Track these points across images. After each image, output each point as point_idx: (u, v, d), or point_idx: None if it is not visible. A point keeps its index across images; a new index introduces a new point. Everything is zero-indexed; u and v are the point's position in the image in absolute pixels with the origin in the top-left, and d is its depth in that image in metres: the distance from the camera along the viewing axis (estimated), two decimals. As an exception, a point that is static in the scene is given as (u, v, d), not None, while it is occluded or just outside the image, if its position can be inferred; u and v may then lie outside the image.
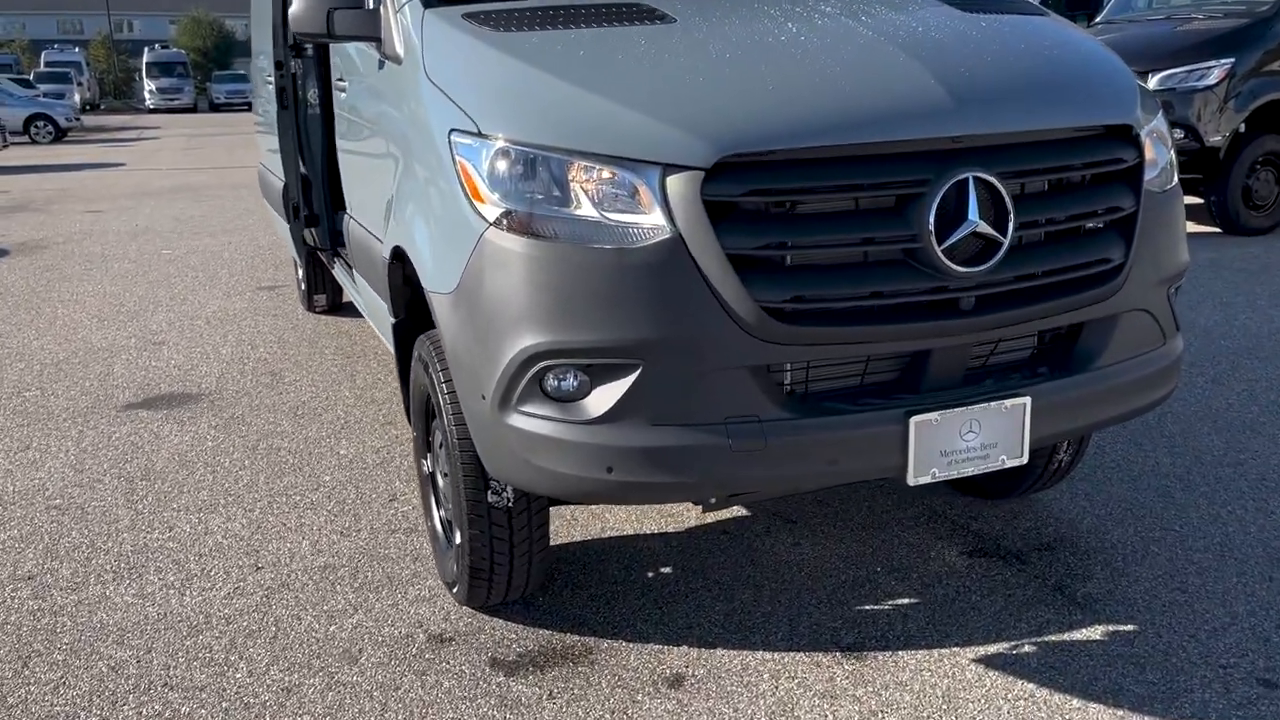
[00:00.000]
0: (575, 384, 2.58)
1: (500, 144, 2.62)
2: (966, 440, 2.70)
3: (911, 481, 2.67)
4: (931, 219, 2.54)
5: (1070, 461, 3.80)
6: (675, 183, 2.47)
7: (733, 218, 2.50)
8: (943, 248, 2.56)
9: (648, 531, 3.86)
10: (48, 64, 47.77)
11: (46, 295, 8.36)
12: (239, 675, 3.02)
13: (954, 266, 2.57)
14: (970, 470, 2.73)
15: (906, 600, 3.34)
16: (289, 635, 3.23)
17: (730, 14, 3.04)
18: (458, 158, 2.73)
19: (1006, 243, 2.62)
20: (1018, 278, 2.70)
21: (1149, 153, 2.96)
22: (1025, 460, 2.78)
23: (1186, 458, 4.41)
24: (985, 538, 3.75)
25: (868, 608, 3.30)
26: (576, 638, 3.17)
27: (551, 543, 3.56)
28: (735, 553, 3.68)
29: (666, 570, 3.59)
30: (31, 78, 39.92)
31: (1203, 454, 4.44)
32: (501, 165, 2.60)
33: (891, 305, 2.60)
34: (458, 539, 3.12)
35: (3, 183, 17.46)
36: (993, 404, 2.70)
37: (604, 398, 2.55)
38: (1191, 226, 9.38)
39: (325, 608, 3.38)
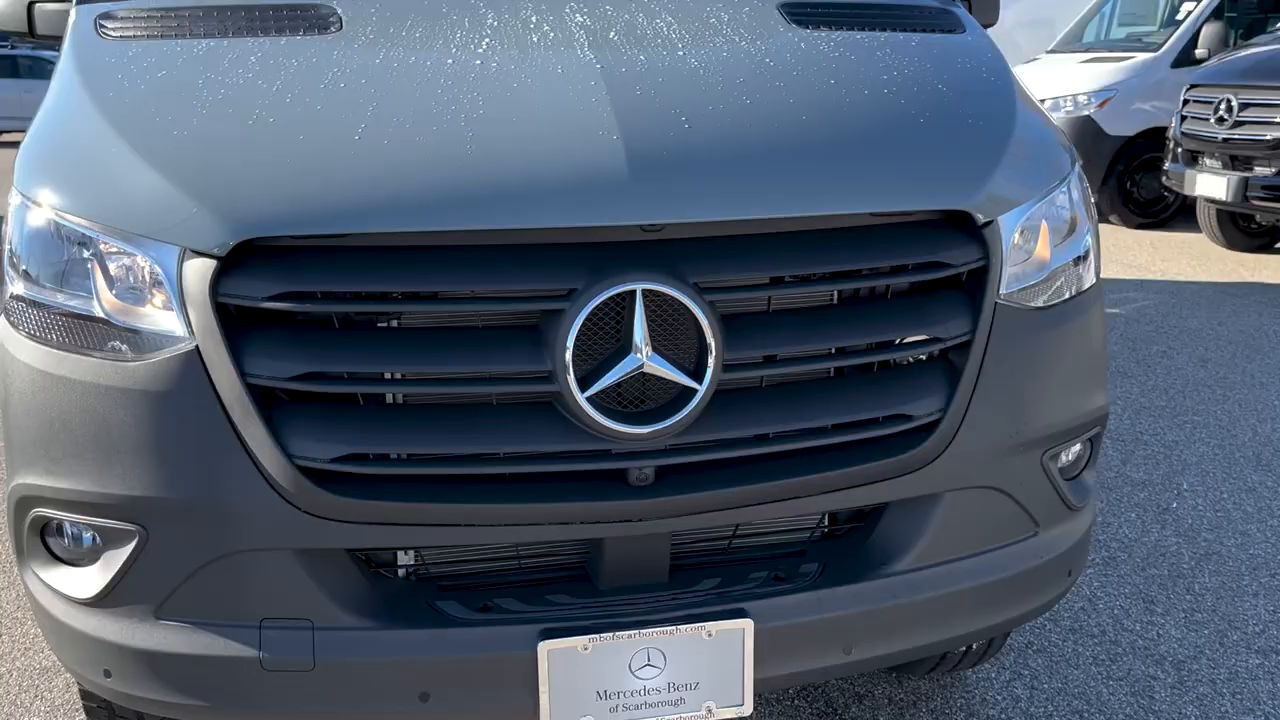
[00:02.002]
0: (79, 545, 1.85)
1: (17, 202, 1.90)
2: (643, 678, 1.80)
3: (548, 734, 1.79)
4: (568, 351, 1.66)
5: (985, 645, 2.74)
6: (190, 273, 1.69)
7: (260, 331, 1.70)
8: (588, 394, 1.67)
9: None
10: None
11: None
12: None
13: (606, 422, 1.68)
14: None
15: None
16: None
17: (426, 21, 2.18)
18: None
19: (702, 388, 1.70)
20: (730, 441, 1.77)
21: (1016, 252, 1.95)
22: (747, 710, 1.85)
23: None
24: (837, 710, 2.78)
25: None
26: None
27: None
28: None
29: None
30: None
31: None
32: (15, 232, 1.89)
33: (510, 475, 1.73)
34: None
35: None
36: (684, 628, 1.78)
37: (101, 572, 1.81)
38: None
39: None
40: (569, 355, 1.66)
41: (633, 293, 1.66)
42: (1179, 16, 10.67)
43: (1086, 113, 9.99)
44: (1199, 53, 10.09)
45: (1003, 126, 2.05)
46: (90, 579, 1.81)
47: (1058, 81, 10.36)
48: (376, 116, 1.80)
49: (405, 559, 1.90)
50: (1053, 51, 11.45)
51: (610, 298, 1.67)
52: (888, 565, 1.93)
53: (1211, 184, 8.21)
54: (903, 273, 1.87)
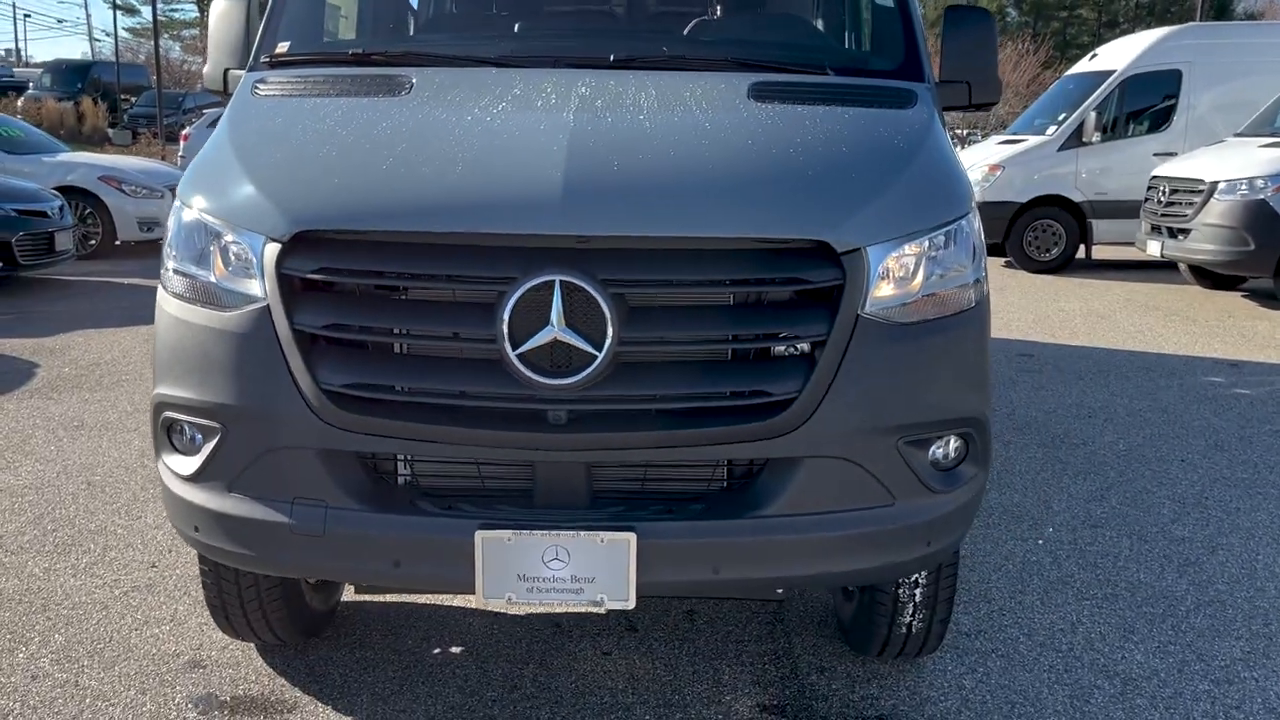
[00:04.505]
0: (190, 440, 2.67)
1: (177, 205, 2.78)
2: (553, 569, 2.44)
3: (481, 602, 2.46)
4: (505, 321, 2.35)
5: (925, 629, 3.19)
6: (268, 254, 2.49)
7: (306, 295, 2.48)
8: (518, 353, 2.35)
9: (476, 607, 3.78)
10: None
11: None
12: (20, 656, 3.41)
13: (530, 374, 2.35)
14: (557, 602, 2.46)
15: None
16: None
17: (473, 90, 2.96)
18: None
19: (600, 356, 2.35)
20: (626, 397, 2.40)
21: (886, 276, 2.49)
22: (631, 604, 2.45)
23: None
24: (808, 694, 3.27)
25: (583, 736, 3.03)
26: (299, 693, 3.21)
27: (346, 598, 3.63)
28: (538, 648, 3.51)
29: (456, 650, 3.50)
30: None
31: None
32: (173, 226, 2.76)
33: (468, 408, 2.43)
34: None
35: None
36: (583, 534, 2.42)
37: (197, 457, 2.62)
38: None
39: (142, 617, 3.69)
40: (505, 325, 2.34)
41: (552, 283, 2.34)
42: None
43: (1261, 196, 9.87)
44: None
45: (886, 180, 2.60)
46: (192, 462, 2.63)
47: (1235, 165, 10.29)
48: (400, 152, 2.58)
49: (404, 470, 2.62)
50: (1239, 135, 11.30)
51: (541, 286, 2.35)
52: (756, 510, 2.48)
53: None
54: (772, 284, 2.46)
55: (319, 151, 2.65)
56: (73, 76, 38.96)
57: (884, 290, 2.51)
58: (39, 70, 43.69)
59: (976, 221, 2.75)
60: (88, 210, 12.55)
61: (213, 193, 2.67)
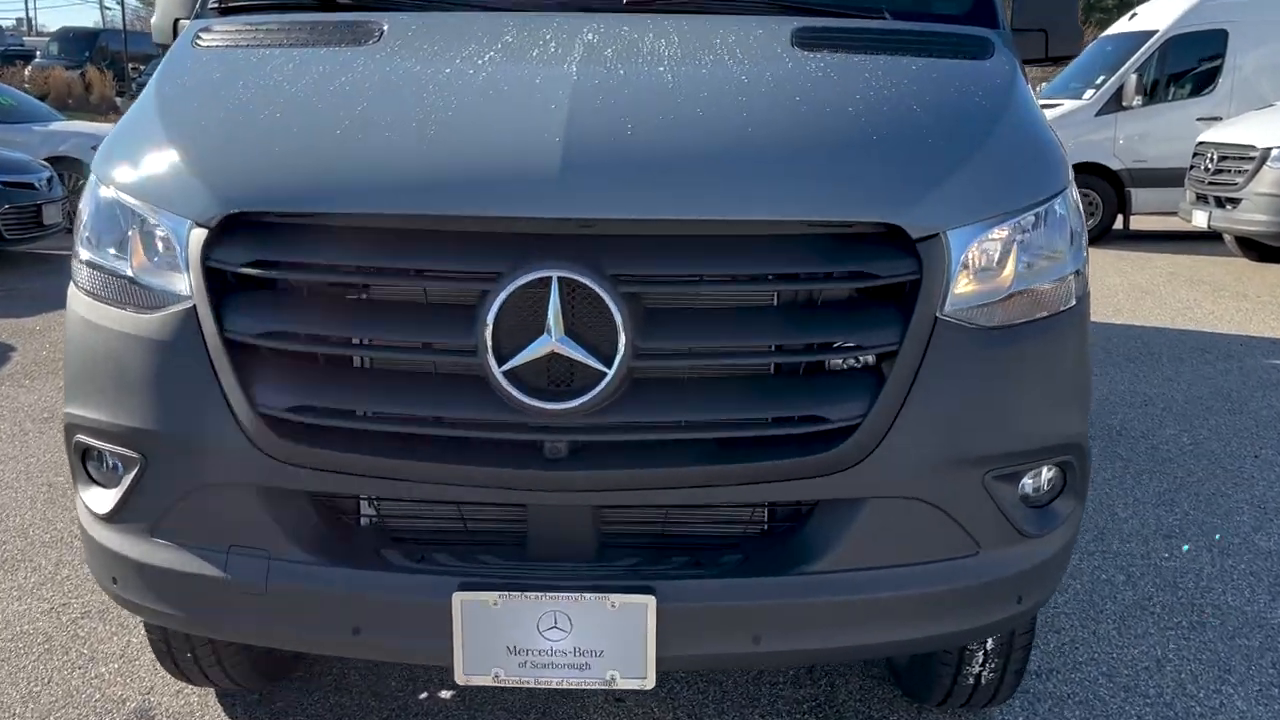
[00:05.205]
0: (111, 470, 2.18)
1: (92, 181, 2.27)
2: (551, 639, 1.94)
3: (461, 679, 1.96)
4: (489, 328, 1.84)
5: (998, 679, 2.68)
6: (193, 241, 1.99)
7: (240, 294, 1.97)
8: (505, 369, 1.84)
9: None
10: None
11: None
12: (-59, 702, 2.94)
13: (520, 396, 1.85)
14: (557, 680, 1.96)
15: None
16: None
17: (454, 37, 2.41)
18: None
19: (610, 374, 1.84)
20: (643, 425, 1.89)
21: (969, 268, 1.97)
22: (650, 684, 1.95)
23: (1280, 709, 3.03)
24: (854, 756, 2.78)
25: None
26: (259, 753, 2.74)
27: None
28: (540, 694, 3.02)
29: (446, 695, 3.02)
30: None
31: None
32: (87, 207, 2.25)
33: (443, 439, 1.92)
34: None
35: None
36: (589, 596, 1.91)
37: (115, 492, 2.12)
38: None
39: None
40: (489, 333, 1.83)
41: (549, 279, 1.82)
42: None
43: (1305, 164, 9.27)
44: None
45: (967, 147, 2.07)
46: (108, 497, 2.13)
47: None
48: (360, 114, 2.05)
49: (367, 509, 2.13)
50: (1289, 99, 10.68)
51: (534, 283, 1.83)
52: (807, 564, 1.98)
53: None
54: (828, 280, 1.93)
55: (260, 114, 2.12)
56: (80, 45, 38.30)
57: (967, 286, 1.99)
58: (47, 39, 43.08)
59: (1075, 197, 2.22)
60: (80, 182, 12.06)
61: (132, 166, 2.16)
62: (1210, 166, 10.35)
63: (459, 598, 1.92)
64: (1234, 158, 10.09)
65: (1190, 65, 12.65)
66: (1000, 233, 2.03)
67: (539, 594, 1.91)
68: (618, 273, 1.85)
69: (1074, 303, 2.14)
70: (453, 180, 1.89)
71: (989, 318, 2.01)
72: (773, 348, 1.94)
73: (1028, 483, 2.13)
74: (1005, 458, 2.03)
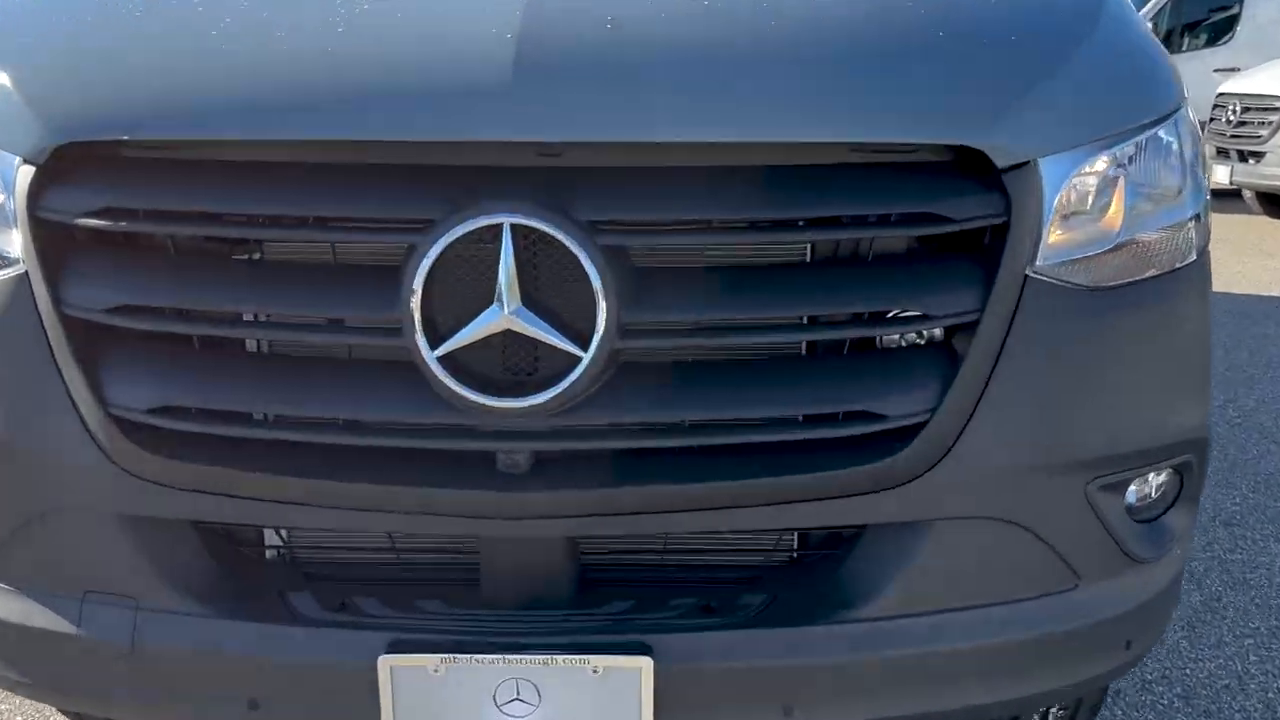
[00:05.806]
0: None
1: None
2: (512, 714, 1.44)
3: (394, 769, 1.46)
4: (415, 296, 1.33)
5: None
6: (20, 184, 1.47)
7: (83, 254, 1.45)
8: (440, 353, 1.33)
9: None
10: None
11: None
12: None
13: (461, 390, 1.34)
14: (521, 769, 1.46)
15: None
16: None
17: None
18: None
19: (586, 356, 1.33)
20: (630, 428, 1.38)
21: (1066, 210, 1.47)
22: (646, 774, 1.45)
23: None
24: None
25: None
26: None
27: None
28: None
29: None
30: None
31: None
32: None
33: (363, 448, 1.42)
34: None
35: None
36: (563, 659, 1.41)
37: None
38: None
39: None
40: (415, 303, 1.32)
41: (499, 227, 1.31)
42: None
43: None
44: None
45: (1063, 46, 1.55)
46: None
47: None
48: (242, 11, 1.52)
49: (273, 539, 1.62)
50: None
51: (478, 233, 1.32)
52: (855, 608, 1.48)
53: None
54: (883, 224, 1.42)
55: (109, 15, 1.59)
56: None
57: (1064, 234, 1.48)
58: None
59: (1193, 120, 1.71)
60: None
61: None
62: (1233, 119, 9.82)
63: (388, 661, 1.41)
64: (1259, 109, 9.57)
65: (1205, 14, 12.10)
66: (1102, 162, 1.52)
67: (495, 656, 1.41)
68: (594, 218, 1.33)
69: (1194, 256, 1.64)
70: (367, 94, 1.37)
71: (1091, 275, 1.50)
72: (805, 320, 1.43)
73: (1133, 491, 1.63)
74: (1115, 461, 1.53)
